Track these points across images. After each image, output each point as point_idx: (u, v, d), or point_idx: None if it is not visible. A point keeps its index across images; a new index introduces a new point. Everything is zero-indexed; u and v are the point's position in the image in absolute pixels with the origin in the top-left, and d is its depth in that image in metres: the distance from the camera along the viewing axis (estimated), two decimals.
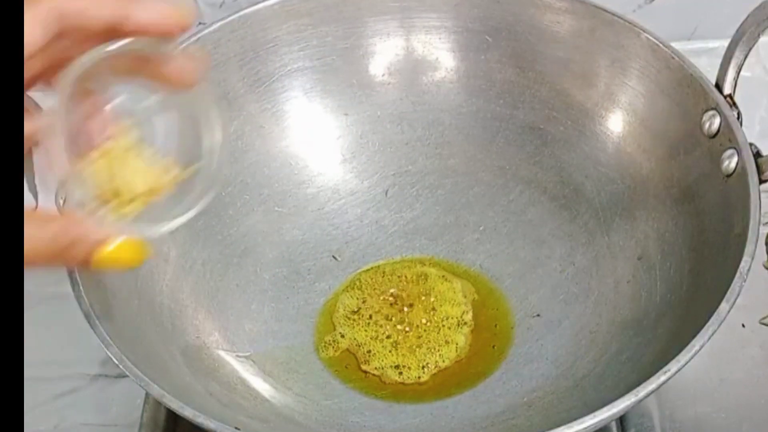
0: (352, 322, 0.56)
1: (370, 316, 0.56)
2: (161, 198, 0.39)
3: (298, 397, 0.52)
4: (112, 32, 0.36)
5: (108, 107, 0.38)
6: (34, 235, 0.34)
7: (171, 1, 0.37)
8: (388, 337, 0.55)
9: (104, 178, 0.38)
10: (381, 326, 0.55)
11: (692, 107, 0.52)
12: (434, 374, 0.54)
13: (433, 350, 0.54)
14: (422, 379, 0.53)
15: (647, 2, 0.73)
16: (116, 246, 0.36)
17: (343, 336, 0.55)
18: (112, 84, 0.39)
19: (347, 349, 0.55)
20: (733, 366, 0.56)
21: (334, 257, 0.59)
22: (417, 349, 0.54)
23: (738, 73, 0.51)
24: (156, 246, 0.37)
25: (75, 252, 0.36)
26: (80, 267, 0.36)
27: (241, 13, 0.57)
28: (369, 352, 0.54)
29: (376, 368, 0.54)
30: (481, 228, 0.60)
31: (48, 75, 0.37)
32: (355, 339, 0.55)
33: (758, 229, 0.45)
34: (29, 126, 0.35)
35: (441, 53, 0.61)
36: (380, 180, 0.61)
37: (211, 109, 0.39)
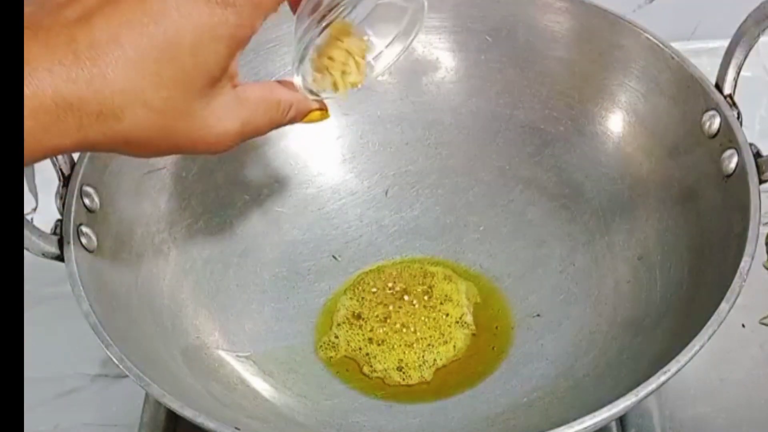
0: (351, 323, 0.56)
1: (369, 318, 0.56)
2: (360, 75, 0.47)
3: (298, 397, 0.52)
4: None
5: None
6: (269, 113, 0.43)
7: None
8: (387, 338, 0.55)
9: (319, 52, 0.45)
10: (380, 328, 0.55)
11: (692, 107, 0.52)
12: (435, 374, 0.54)
13: (431, 349, 0.54)
14: (426, 379, 0.53)
15: (647, 2, 0.73)
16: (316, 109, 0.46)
17: (337, 338, 0.55)
18: None
19: (345, 354, 0.55)
20: (733, 366, 0.56)
21: (334, 257, 0.59)
22: (416, 349, 0.54)
23: (738, 73, 0.51)
24: None
25: (294, 119, 0.45)
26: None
27: None
28: (368, 354, 0.54)
29: (377, 370, 0.54)
30: (481, 228, 0.60)
31: None
32: (352, 343, 0.55)
33: (758, 229, 0.45)
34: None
35: (441, 53, 0.61)
36: (380, 180, 0.61)
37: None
